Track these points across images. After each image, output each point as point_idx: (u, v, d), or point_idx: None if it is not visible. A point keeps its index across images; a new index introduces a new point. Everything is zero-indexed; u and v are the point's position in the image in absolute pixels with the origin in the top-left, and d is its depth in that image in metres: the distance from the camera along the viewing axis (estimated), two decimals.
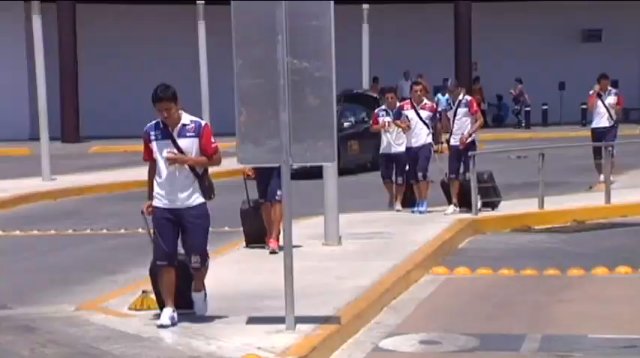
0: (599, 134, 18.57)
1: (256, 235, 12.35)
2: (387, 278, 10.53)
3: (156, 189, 8.68)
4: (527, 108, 35.38)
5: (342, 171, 16.08)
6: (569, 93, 35.12)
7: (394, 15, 35.71)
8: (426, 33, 36.01)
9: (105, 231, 15.16)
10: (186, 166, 8.58)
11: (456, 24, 34.83)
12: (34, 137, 24.95)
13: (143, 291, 9.39)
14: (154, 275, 8.85)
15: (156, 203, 8.69)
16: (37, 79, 20.97)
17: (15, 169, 23.11)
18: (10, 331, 8.78)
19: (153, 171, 8.72)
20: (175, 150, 8.54)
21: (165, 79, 36.12)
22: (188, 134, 8.57)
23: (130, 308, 9.26)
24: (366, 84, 28.29)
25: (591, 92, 19.04)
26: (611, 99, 18.77)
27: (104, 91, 35.01)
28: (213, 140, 8.63)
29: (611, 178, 17.20)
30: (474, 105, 15.34)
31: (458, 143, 15.05)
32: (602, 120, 18.75)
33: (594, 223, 15.18)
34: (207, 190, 8.66)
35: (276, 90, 8.20)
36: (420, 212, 15.08)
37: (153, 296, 9.38)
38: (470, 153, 14.85)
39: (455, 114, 15.13)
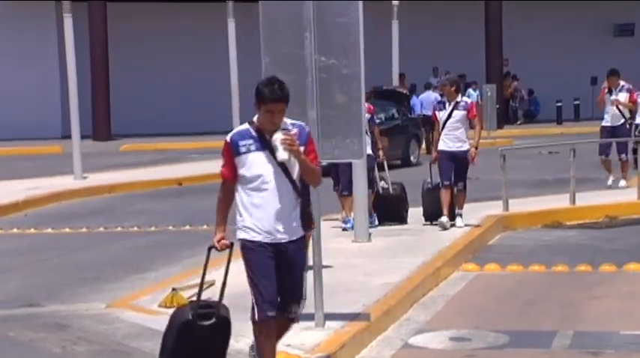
0: (606, 133, 17.76)
1: None
2: (416, 275, 10.50)
3: (247, 217, 6.58)
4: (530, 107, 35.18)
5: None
6: (600, 89, 34.88)
7: (424, 11, 35.62)
8: (456, 29, 35.90)
9: (136, 228, 15.24)
10: (289, 179, 6.58)
11: (487, 19, 34.72)
12: (66, 135, 25.14)
13: (173, 289, 9.42)
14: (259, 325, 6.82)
15: (249, 236, 6.60)
16: (69, 77, 21.11)
17: (47, 168, 23.27)
18: (41, 328, 8.84)
19: (230, 193, 6.64)
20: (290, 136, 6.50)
21: (195, 76, 36.35)
22: None
23: (160, 306, 9.29)
24: (395, 80, 28.26)
25: (603, 86, 18.22)
26: (622, 97, 17.73)
27: (135, 90, 35.19)
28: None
29: (622, 182, 16.96)
30: (474, 109, 13.63)
31: (450, 148, 13.28)
32: (610, 118, 17.75)
33: (627, 219, 15.06)
34: (309, 218, 6.77)
35: (303, 88, 8.19)
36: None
37: (183, 293, 9.42)
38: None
39: (449, 117, 13.33)
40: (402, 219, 13.87)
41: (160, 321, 8.74)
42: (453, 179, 13.34)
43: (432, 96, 26.72)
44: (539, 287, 10.67)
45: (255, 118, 6.60)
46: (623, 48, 36.86)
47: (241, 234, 6.61)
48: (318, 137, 8.24)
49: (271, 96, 6.45)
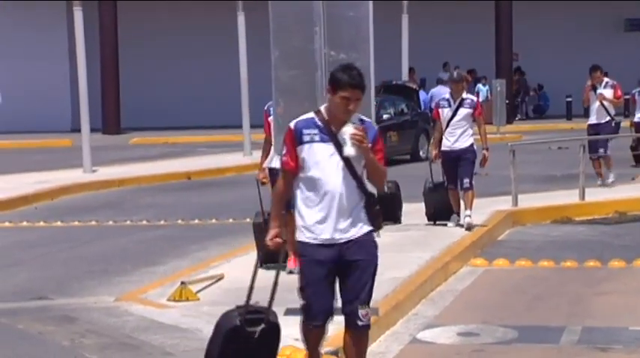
0: (593, 131, 17.26)
1: (272, 253, 10.99)
2: (424, 270, 10.50)
3: (305, 215, 6.14)
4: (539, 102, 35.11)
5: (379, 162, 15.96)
6: None
7: (434, 5, 35.57)
8: (465, 23, 35.85)
9: (145, 222, 15.26)
10: (353, 175, 6.14)
11: (497, 14, 34.66)
12: (76, 129, 25.18)
13: (182, 282, 9.44)
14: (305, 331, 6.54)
15: (306, 237, 6.17)
16: (79, 71, 21.14)
17: (57, 161, 23.32)
18: (50, 321, 8.86)
19: (289, 186, 6.19)
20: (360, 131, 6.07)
21: (204, 70, 36.32)
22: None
23: (168, 300, 9.30)
24: (405, 75, 28.23)
25: (587, 84, 17.56)
26: (607, 93, 17.19)
27: (144, 83, 35.24)
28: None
29: (611, 176, 16.80)
30: (480, 106, 13.21)
31: (453, 148, 12.82)
32: (596, 115, 17.27)
33: (636, 215, 15.03)
34: (378, 215, 6.27)
35: (313, 82, 8.19)
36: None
37: (191, 287, 9.43)
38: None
39: (454, 115, 12.83)
40: (396, 219, 13.37)
41: (169, 315, 8.78)
42: (458, 181, 12.87)
43: (442, 90, 26.70)
44: (547, 282, 10.66)
45: (322, 107, 6.21)
46: (634, 43, 36.76)
47: (299, 235, 6.17)
48: None
49: (350, 82, 6.05)
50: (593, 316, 9.16)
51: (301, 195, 6.13)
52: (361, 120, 6.19)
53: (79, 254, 12.69)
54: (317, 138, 6.10)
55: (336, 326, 8.10)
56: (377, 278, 9.98)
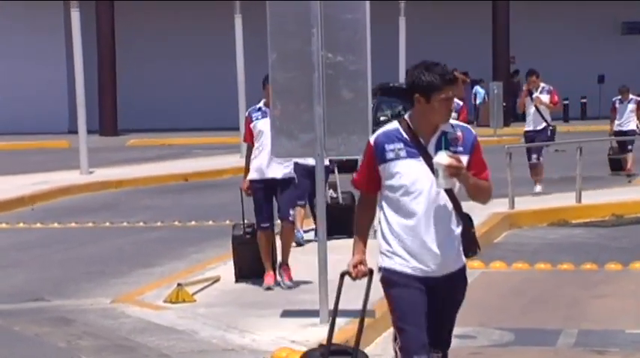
0: (529, 138, 16.87)
1: (250, 267, 9.95)
2: None
3: (392, 241, 5.26)
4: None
5: None
6: (608, 87, 34.81)
7: (431, 8, 35.59)
8: (463, 26, 35.88)
9: (142, 223, 15.25)
10: (449, 196, 5.20)
11: (494, 17, 34.69)
12: (73, 130, 25.16)
13: (178, 284, 9.43)
14: None
15: (393, 265, 5.26)
16: (76, 72, 21.14)
17: (54, 162, 23.31)
18: (46, 322, 8.85)
19: (370, 207, 5.35)
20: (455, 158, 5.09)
21: (201, 72, 36.31)
22: (453, 147, 5.21)
23: (165, 301, 9.30)
24: (402, 77, 28.24)
25: (524, 89, 17.11)
26: (544, 98, 16.72)
27: (142, 85, 35.24)
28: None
29: (537, 187, 16.56)
30: (465, 110, 12.80)
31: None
32: (532, 121, 16.75)
33: (633, 217, 15.04)
34: (474, 240, 5.37)
35: (310, 84, 8.19)
36: None
37: (188, 289, 9.43)
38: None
39: None
40: (351, 232, 12.64)
41: (165, 316, 8.78)
42: None
43: None
44: (544, 285, 10.66)
45: (407, 116, 5.28)
46: (631, 46, 36.79)
47: (384, 262, 5.25)
48: (323, 133, 8.25)
49: (445, 79, 5.14)
50: (589, 319, 9.16)
51: (386, 218, 5.23)
52: (456, 126, 5.25)
53: (75, 255, 12.68)
54: (402, 153, 5.15)
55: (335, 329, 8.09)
56: (374, 279, 10.03)
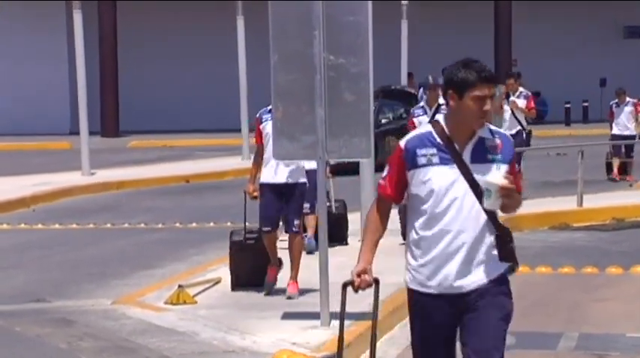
0: None
1: (248, 275, 9.77)
2: None
3: (418, 255, 4.85)
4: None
5: (380, 167, 15.85)
6: (610, 90, 34.78)
7: (433, 11, 35.61)
8: (465, 29, 35.88)
9: (143, 225, 15.25)
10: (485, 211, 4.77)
11: (496, 20, 34.70)
12: (75, 131, 25.18)
13: (179, 286, 9.43)
14: None
15: (418, 284, 4.90)
16: (78, 73, 21.15)
17: (55, 163, 23.32)
18: (48, 324, 8.85)
19: (386, 215, 4.94)
20: (505, 175, 4.72)
21: (203, 73, 36.29)
22: (491, 155, 4.79)
23: (166, 303, 9.30)
24: (404, 80, 28.25)
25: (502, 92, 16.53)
26: (520, 103, 16.53)
27: (143, 86, 35.25)
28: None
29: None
30: None
31: None
32: (508, 125, 16.29)
33: (634, 221, 15.04)
34: (512, 255, 4.85)
35: (312, 86, 8.19)
36: None
37: (189, 290, 9.43)
38: None
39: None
40: (342, 240, 12.04)
41: (166, 318, 8.77)
42: None
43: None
44: (545, 288, 10.66)
45: (440, 118, 4.86)
46: (632, 50, 36.80)
47: (410, 282, 4.92)
48: (325, 135, 8.24)
49: (481, 75, 4.73)
50: (590, 322, 9.15)
51: (414, 229, 4.81)
52: (495, 132, 4.83)
53: (76, 256, 12.68)
54: (435, 159, 4.74)
55: (334, 331, 8.10)
56: (380, 289, 10.02)
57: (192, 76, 35.52)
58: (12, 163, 23.83)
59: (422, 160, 4.76)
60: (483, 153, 4.75)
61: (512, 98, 16.73)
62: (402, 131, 24.11)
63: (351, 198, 13.81)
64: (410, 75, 29.62)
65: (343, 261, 10.94)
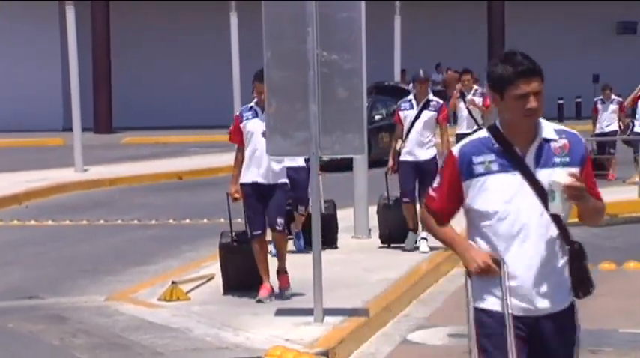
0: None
1: (239, 278, 9.47)
2: (416, 271, 10.51)
3: (483, 276, 4.41)
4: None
5: (373, 164, 15.79)
6: None
7: (426, 7, 35.61)
8: (458, 25, 35.91)
9: (136, 221, 15.24)
10: (553, 219, 4.31)
11: (489, 16, 34.72)
12: (68, 128, 25.13)
13: (173, 282, 9.43)
14: None
15: (485, 303, 4.47)
16: (71, 70, 21.12)
17: (48, 160, 23.27)
18: (41, 320, 8.84)
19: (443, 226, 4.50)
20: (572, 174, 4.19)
21: (196, 70, 36.23)
22: (557, 158, 4.27)
23: (159, 299, 9.30)
24: (397, 76, 28.25)
25: (456, 91, 16.32)
26: (477, 101, 16.13)
27: (136, 83, 35.21)
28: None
29: None
30: (446, 110, 11.92)
31: (415, 157, 11.52)
32: (465, 124, 16.03)
33: (627, 217, 15.09)
34: (585, 276, 4.55)
35: (305, 82, 8.19)
36: None
37: (182, 287, 9.43)
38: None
39: (417, 118, 11.55)
40: (332, 242, 11.47)
41: (159, 314, 8.77)
42: (416, 194, 11.35)
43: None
44: None
45: (497, 122, 4.32)
46: (626, 46, 36.84)
47: (476, 301, 4.50)
48: (318, 131, 8.25)
49: (516, 70, 4.16)
50: (583, 318, 9.08)
51: (474, 244, 4.38)
52: (561, 132, 4.28)
53: (69, 253, 12.67)
54: (495, 166, 4.20)
55: (327, 327, 8.11)
56: (368, 279, 10.07)
57: (185, 73, 35.48)
58: (5, 159, 23.79)
59: (479, 169, 4.22)
60: (549, 157, 4.22)
61: (468, 96, 16.38)
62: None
63: (344, 194, 13.82)
64: (403, 72, 29.62)
65: (335, 257, 10.96)
